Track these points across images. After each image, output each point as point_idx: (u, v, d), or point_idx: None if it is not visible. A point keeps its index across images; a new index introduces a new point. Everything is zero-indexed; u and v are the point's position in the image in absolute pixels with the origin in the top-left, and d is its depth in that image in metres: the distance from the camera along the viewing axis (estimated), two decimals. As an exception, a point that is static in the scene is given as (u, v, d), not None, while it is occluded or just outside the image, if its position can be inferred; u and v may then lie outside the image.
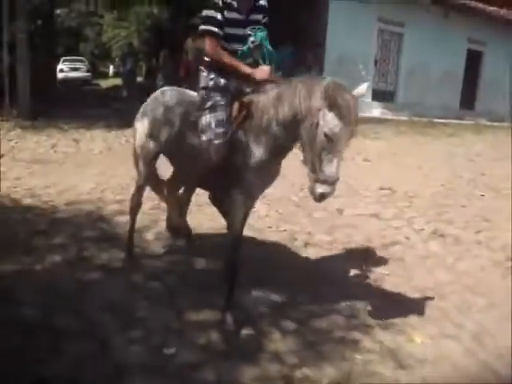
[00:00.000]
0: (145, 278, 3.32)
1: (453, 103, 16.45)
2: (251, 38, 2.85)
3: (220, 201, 3.25)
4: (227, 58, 2.85)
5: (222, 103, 2.87)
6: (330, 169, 2.37)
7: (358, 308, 3.09)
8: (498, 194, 6.40)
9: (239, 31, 2.92)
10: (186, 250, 3.80)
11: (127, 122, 9.73)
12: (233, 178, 2.79)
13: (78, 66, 29.30)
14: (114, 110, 12.80)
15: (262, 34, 2.84)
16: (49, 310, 2.80)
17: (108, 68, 44.98)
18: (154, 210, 4.71)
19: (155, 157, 3.38)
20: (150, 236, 4.11)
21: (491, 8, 17.23)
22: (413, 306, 3.15)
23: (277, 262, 3.71)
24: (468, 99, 17.11)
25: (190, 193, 3.84)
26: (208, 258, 3.64)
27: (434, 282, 3.59)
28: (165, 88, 3.50)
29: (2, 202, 4.87)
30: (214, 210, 3.49)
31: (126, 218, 4.42)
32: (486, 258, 4.11)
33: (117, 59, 38.64)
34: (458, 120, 15.21)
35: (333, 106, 2.30)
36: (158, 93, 3.41)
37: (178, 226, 3.87)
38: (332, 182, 2.39)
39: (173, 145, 3.15)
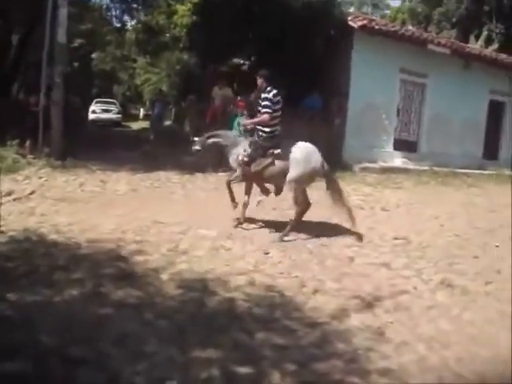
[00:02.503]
0: (156, 316, 3.47)
1: (475, 153, 16.39)
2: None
3: None
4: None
5: None
6: None
7: (358, 353, 3.18)
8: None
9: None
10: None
11: (152, 165, 10.08)
12: None
13: (109, 108, 30.39)
14: (141, 152, 13.13)
15: (237, 118, 5.36)
16: (64, 339, 2.97)
17: (138, 110, 46.34)
18: (171, 252, 4.91)
19: None
20: (165, 276, 4.28)
21: (512, 58, 17.25)
22: (413, 354, 3.23)
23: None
24: (491, 149, 17.03)
25: None
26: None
27: (439, 331, 3.65)
28: None
29: (29, 236, 5.14)
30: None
31: (143, 258, 4.65)
32: (493, 309, 4.14)
33: (147, 102, 39.89)
34: (480, 170, 15.14)
35: None
36: None
37: None
38: None
39: None
